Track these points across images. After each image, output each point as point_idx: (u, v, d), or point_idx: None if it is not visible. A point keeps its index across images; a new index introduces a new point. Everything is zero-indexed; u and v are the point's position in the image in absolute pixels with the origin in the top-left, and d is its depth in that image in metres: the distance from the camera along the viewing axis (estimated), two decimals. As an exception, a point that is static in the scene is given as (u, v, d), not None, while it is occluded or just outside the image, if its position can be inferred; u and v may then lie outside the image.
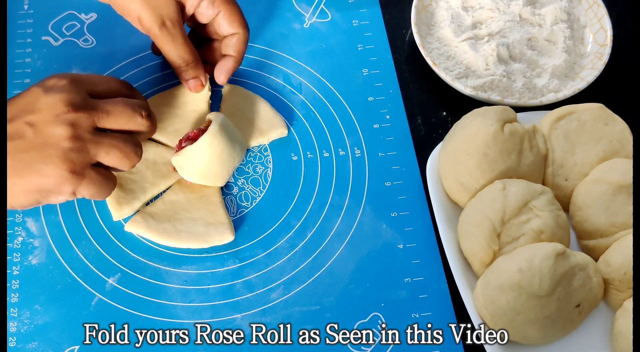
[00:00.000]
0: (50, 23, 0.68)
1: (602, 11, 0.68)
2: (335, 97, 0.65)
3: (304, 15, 0.70)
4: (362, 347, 0.53)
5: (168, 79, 0.65)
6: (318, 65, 0.67)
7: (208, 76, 0.60)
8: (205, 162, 0.56)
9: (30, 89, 0.48)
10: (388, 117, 0.64)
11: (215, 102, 0.63)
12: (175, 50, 0.56)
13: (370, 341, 0.54)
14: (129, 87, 0.54)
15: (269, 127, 0.62)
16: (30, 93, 0.48)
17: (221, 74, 0.60)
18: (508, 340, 0.50)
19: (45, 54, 0.66)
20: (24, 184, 0.46)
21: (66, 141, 0.46)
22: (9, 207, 0.47)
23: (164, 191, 0.59)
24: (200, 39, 0.62)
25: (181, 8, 0.56)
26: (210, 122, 0.56)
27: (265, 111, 0.63)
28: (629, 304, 0.51)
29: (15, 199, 0.47)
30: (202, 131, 0.56)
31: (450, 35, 0.65)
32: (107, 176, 0.49)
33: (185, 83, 0.59)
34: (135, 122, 0.50)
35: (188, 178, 0.57)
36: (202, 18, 0.58)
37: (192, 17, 0.59)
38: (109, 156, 0.48)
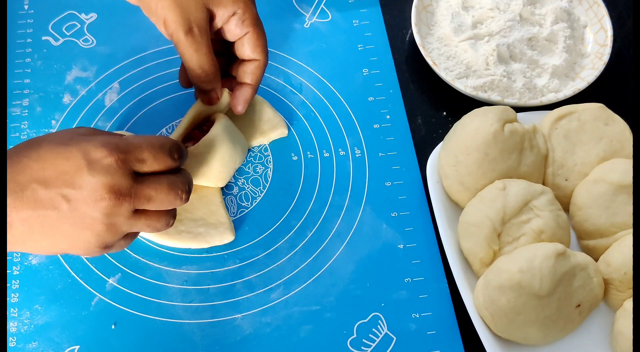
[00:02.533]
0: (50, 23, 0.68)
1: (603, 11, 0.68)
2: (336, 97, 0.65)
3: (304, 15, 0.70)
4: (362, 347, 0.53)
5: (168, 79, 0.65)
6: (318, 65, 0.67)
7: (225, 90, 0.57)
8: (207, 163, 0.56)
9: (72, 152, 0.43)
10: (388, 117, 0.64)
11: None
12: (197, 60, 0.52)
13: (370, 341, 0.54)
14: (177, 150, 0.46)
15: (269, 127, 0.62)
16: (72, 160, 0.42)
17: (239, 104, 0.57)
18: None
19: (45, 54, 0.66)
20: (51, 247, 0.45)
21: (101, 225, 0.43)
22: (24, 251, 0.45)
23: (164, 191, 0.59)
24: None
25: (210, 18, 0.53)
26: (212, 122, 0.56)
27: (265, 111, 0.63)
28: (629, 304, 0.51)
29: (36, 251, 0.45)
30: (204, 132, 0.56)
31: (451, 35, 0.65)
32: (134, 237, 0.49)
33: (200, 94, 0.56)
34: (175, 205, 0.46)
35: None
36: (229, 35, 0.55)
37: (218, 32, 0.55)
38: (142, 230, 0.47)
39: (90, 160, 0.42)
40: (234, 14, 0.53)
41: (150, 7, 0.51)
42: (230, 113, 0.62)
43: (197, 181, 0.57)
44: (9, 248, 0.43)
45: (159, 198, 0.45)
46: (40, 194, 0.42)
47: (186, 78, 0.58)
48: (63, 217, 0.43)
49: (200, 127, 0.58)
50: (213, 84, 0.55)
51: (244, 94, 0.57)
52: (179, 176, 0.47)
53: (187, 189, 0.47)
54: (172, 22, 0.51)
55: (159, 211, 0.46)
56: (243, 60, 0.57)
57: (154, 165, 0.45)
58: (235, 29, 0.54)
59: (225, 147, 0.56)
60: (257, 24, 0.55)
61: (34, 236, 0.43)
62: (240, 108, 0.58)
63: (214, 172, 0.57)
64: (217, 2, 0.52)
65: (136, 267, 0.56)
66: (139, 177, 0.44)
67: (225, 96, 0.57)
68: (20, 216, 0.42)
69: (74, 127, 0.61)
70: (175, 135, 0.55)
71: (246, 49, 0.55)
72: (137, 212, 0.45)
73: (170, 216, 0.48)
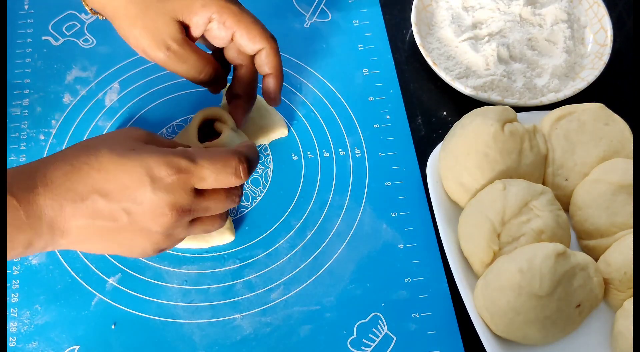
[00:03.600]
0: (50, 23, 0.68)
1: (603, 11, 0.68)
2: (336, 97, 0.65)
3: (304, 15, 0.70)
4: (362, 347, 0.53)
5: (168, 79, 0.65)
6: (318, 65, 0.67)
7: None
8: None
9: (135, 167, 0.42)
10: (388, 117, 0.64)
11: (216, 103, 0.63)
12: (189, 69, 0.51)
13: (370, 341, 0.54)
14: (246, 166, 0.45)
15: (270, 127, 0.62)
16: (135, 176, 0.42)
17: (270, 99, 0.56)
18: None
19: (45, 54, 0.66)
20: (105, 250, 0.46)
21: (159, 236, 0.44)
22: (77, 250, 0.46)
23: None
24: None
25: (187, 28, 0.51)
26: (215, 128, 0.57)
27: (265, 111, 0.63)
28: (629, 304, 0.51)
29: (89, 252, 0.46)
30: (207, 131, 0.56)
31: (451, 35, 0.65)
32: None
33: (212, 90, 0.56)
34: (228, 208, 0.48)
35: None
36: (216, 41, 0.53)
37: (207, 41, 0.54)
38: (198, 234, 0.48)
39: (154, 178, 0.42)
40: (210, 20, 0.51)
41: (127, 37, 0.51)
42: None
43: None
44: (64, 247, 0.44)
45: (216, 208, 0.46)
46: (100, 206, 0.42)
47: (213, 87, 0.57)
48: (122, 228, 0.43)
49: (204, 130, 0.58)
50: (220, 80, 0.54)
51: (269, 86, 0.55)
52: (235, 191, 0.47)
53: (241, 193, 0.48)
54: (148, 48, 0.50)
55: (212, 217, 0.47)
56: (254, 57, 0.54)
57: (214, 184, 0.44)
58: (219, 32, 0.52)
59: None
60: (243, 19, 0.51)
61: (89, 240, 0.44)
62: (273, 101, 0.56)
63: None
64: (186, 11, 0.50)
65: (136, 267, 0.56)
66: (198, 192, 0.45)
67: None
68: (77, 223, 0.42)
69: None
70: (193, 139, 0.55)
71: (245, 45, 0.52)
72: (194, 220, 0.46)
73: (225, 217, 0.49)
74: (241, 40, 0.52)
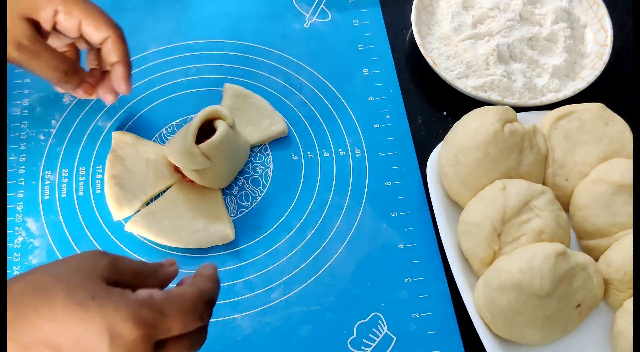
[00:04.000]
0: (50, 23, 0.68)
1: (603, 11, 0.68)
2: (336, 97, 0.65)
3: (304, 15, 0.70)
4: (362, 347, 0.53)
5: (168, 78, 0.65)
6: (318, 65, 0.67)
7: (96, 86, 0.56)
8: (210, 166, 0.56)
9: (94, 321, 0.35)
10: (388, 117, 0.64)
11: (216, 103, 0.63)
12: (46, 66, 0.51)
13: (370, 341, 0.54)
14: (208, 309, 0.40)
15: (269, 127, 0.62)
16: (93, 331, 0.35)
17: (119, 85, 0.55)
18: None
19: (45, 54, 0.66)
20: None
21: None
22: None
23: (165, 191, 0.59)
24: None
25: (37, 25, 0.51)
26: (213, 124, 0.57)
27: (265, 111, 0.63)
28: (629, 304, 0.51)
29: None
30: (206, 134, 0.56)
31: (451, 35, 0.65)
32: None
33: (75, 92, 0.55)
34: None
35: (192, 178, 0.57)
36: (68, 32, 0.53)
37: (62, 34, 0.54)
38: None
39: (114, 335, 0.35)
40: (57, 12, 0.51)
41: None
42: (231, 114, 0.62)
43: (201, 183, 0.58)
44: None
45: None
46: None
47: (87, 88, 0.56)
48: None
49: (202, 130, 0.58)
50: (78, 77, 0.54)
51: (117, 73, 0.54)
52: (199, 331, 0.40)
53: (203, 341, 0.41)
54: (9, 45, 0.50)
55: None
56: (101, 47, 0.54)
57: (180, 331, 0.38)
58: (67, 23, 0.52)
59: (228, 151, 0.56)
60: (88, 8, 0.52)
61: None
62: (123, 87, 0.55)
63: (217, 174, 0.57)
64: (33, 8, 0.50)
65: (136, 267, 0.55)
66: (159, 344, 0.38)
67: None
68: None
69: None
70: (190, 140, 0.55)
71: (91, 34, 0.52)
72: None
73: None
74: (87, 29, 0.52)
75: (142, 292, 0.38)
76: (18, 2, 0.49)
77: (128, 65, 0.55)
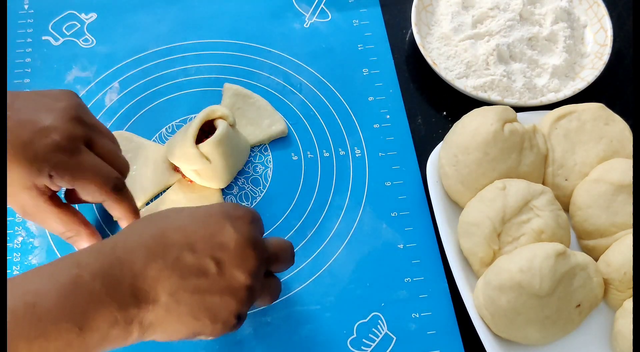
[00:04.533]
0: (50, 23, 0.68)
1: (602, 11, 0.68)
2: (336, 97, 0.65)
3: (304, 15, 0.70)
4: (362, 347, 0.53)
5: (168, 78, 0.65)
6: (318, 65, 0.67)
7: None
8: (210, 166, 0.56)
9: (210, 213, 0.44)
10: (388, 117, 0.64)
11: (217, 103, 0.63)
12: (53, 229, 0.51)
13: (370, 341, 0.54)
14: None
15: (269, 127, 0.62)
16: (212, 220, 0.43)
17: (123, 221, 0.53)
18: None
19: (45, 54, 0.66)
20: (193, 327, 0.42)
21: (244, 291, 0.42)
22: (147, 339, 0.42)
23: (165, 191, 0.59)
24: None
25: (42, 189, 0.48)
26: (214, 126, 0.57)
27: (265, 111, 0.63)
28: (629, 304, 0.51)
29: (175, 332, 0.42)
30: (206, 135, 0.56)
31: (451, 35, 0.65)
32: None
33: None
34: (288, 267, 0.49)
35: (192, 178, 0.57)
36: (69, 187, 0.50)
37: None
38: (264, 300, 0.48)
39: (231, 216, 0.43)
40: (51, 177, 0.47)
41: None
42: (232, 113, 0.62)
43: (200, 183, 0.58)
44: (150, 330, 0.40)
45: (284, 258, 0.47)
46: (189, 260, 0.41)
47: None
48: (211, 285, 0.41)
49: (203, 130, 0.58)
50: (85, 239, 0.52)
51: (123, 224, 0.53)
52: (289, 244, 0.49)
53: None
54: (13, 208, 0.49)
55: (275, 287, 0.48)
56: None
57: (283, 268, 0.48)
58: (65, 185, 0.49)
59: (228, 150, 0.56)
60: (78, 175, 0.48)
61: (177, 312, 0.41)
62: (124, 222, 0.52)
63: (217, 174, 0.57)
64: (30, 178, 0.47)
65: (136, 267, 0.55)
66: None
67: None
68: (166, 287, 0.40)
69: None
70: (189, 140, 0.55)
71: (87, 198, 0.50)
72: (266, 279, 0.46)
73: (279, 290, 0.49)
74: (82, 194, 0.50)
75: None
76: (17, 174, 0.46)
77: (133, 219, 0.52)
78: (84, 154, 0.48)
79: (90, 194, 0.49)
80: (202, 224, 0.43)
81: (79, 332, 0.38)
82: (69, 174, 0.47)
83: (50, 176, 0.47)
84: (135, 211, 0.52)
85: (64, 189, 0.52)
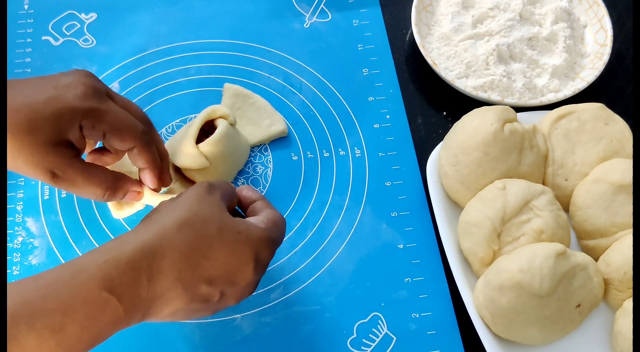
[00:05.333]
0: (50, 23, 0.68)
1: (602, 11, 0.68)
2: (336, 97, 0.65)
3: (304, 15, 0.70)
4: (362, 347, 0.53)
5: (168, 78, 0.65)
6: (318, 65, 0.67)
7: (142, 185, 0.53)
8: (210, 165, 0.56)
9: (245, 252, 0.43)
10: (388, 117, 0.64)
11: (216, 103, 0.63)
12: (85, 190, 0.49)
13: (370, 341, 0.54)
14: None
15: (269, 127, 0.62)
16: (243, 259, 0.43)
17: (149, 184, 0.53)
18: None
19: (45, 54, 0.66)
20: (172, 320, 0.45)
21: (219, 309, 0.46)
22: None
23: (165, 191, 0.59)
24: None
25: (72, 144, 0.48)
26: (214, 126, 0.57)
27: (265, 111, 0.63)
28: (629, 304, 0.51)
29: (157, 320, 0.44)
30: (207, 135, 0.56)
31: (451, 35, 0.65)
32: None
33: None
34: None
35: (192, 177, 0.57)
36: (94, 140, 0.52)
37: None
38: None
39: (258, 260, 0.44)
40: (81, 128, 0.47)
41: (19, 171, 0.48)
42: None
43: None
44: (136, 321, 0.41)
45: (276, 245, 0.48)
46: (202, 291, 0.42)
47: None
48: (207, 307, 0.44)
49: (203, 129, 0.58)
50: (122, 190, 0.52)
51: (145, 179, 0.52)
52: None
53: None
54: (38, 177, 0.48)
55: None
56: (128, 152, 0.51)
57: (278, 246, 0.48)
58: (92, 136, 0.49)
59: (228, 149, 0.56)
60: (111, 120, 0.48)
61: (168, 318, 0.43)
62: (152, 186, 0.53)
63: (217, 173, 0.57)
64: (59, 132, 0.46)
65: (136, 267, 0.55)
66: None
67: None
68: (171, 309, 0.42)
69: None
70: (190, 140, 0.55)
71: (116, 145, 0.50)
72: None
73: None
74: (111, 142, 0.49)
75: (259, 219, 0.46)
76: (43, 132, 0.46)
77: (156, 169, 0.52)
78: (110, 102, 0.48)
79: (121, 140, 0.49)
80: (230, 257, 0.43)
81: (86, 350, 0.39)
82: (100, 119, 0.47)
83: (81, 128, 0.47)
84: (159, 161, 0.52)
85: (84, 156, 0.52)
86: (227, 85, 0.64)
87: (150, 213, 0.45)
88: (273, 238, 0.45)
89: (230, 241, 0.43)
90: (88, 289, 0.38)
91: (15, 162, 0.47)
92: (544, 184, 0.58)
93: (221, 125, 0.55)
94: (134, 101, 0.63)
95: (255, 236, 0.44)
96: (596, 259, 0.54)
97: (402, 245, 0.58)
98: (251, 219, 0.46)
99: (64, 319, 0.37)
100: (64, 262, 0.55)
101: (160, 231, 0.41)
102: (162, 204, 0.45)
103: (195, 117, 0.57)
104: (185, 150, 0.55)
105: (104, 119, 0.47)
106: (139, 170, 0.52)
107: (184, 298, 0.42)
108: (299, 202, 0.59)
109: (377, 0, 0.71)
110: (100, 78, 0.64)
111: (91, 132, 0.48)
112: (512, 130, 0.55)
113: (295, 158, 0.62)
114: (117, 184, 0.51)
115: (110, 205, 0.57)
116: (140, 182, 0.53)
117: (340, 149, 0.62)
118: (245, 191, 0.50)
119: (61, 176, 0.48)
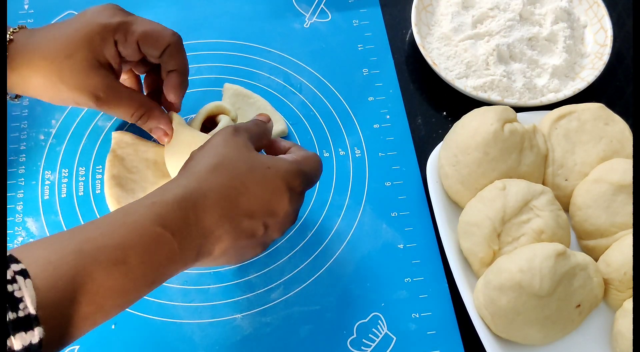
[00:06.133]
0: (50, 23, 0.67)
1: (602, 11, 0.68)
2: (335, 97, 0.65)
3: (304, 15, 0.70)
4: (362, 347, 0.53)
5: (168, 79, 0.65)
6: (318, 65, 0.67)
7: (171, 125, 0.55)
8: None
9: (277, 183, 0.46)
10: (388, 117, 0.64)
11: (218, 100, 0.63)
12: (125, 112, 0.53)
13: (370, 341, 0.54)
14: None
15: (269, 127, 0.62)
16: (276, 190, 0.46)
17: (169, 92, 0.54)
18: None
19: (45, 54, 0.66)
20: (224, 264, 0.49)
21: (269, 243, 0.49)
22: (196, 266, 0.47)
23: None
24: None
25: (109, 66, 0.51)
26: (216, 123, 0.57)
27: (265, 111, 0.63)
28: (629, 304, 0.51)
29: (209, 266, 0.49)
30: (208, 130, 0.56)
31: (451, 35, 0.65)
32: None
33: (151, 133, 0.56)
34: None
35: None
36: (129, 57, 0.53)
37: (134, 62, 0.55)
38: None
39: (291, 189, 0.47)
40: (116, 43, 0.51)
41: (61, 99, 0.52)
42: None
43: None
44: (189, 266, 0.45)
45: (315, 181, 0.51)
46: (245, 225, 0.45)
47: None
48: (254, 243, 0.47)
49: (205, 126, 0.58)
50: (156, 121, 0.54)
51: (171, 81, 0.54)
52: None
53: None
54: (82, 103, 0.51)
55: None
56: (161, 57, 0.54)
57: (315, 182, 0.51)
58: (127, 50, 0.52)
59: None
60: (142, 28, 0.51)
61: (219, 259, 0.46)
62: (172, 96, 0.54)
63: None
64: (95, 51, 0.50)
65: (136, 267, 0.55)
66: None
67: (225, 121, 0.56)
68: (221, 246, 0.45)
69: None
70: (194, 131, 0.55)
71: (151, 50, 0.52)
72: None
73: None
74: (146, 49, 0.52)
75: (289, 156, 0.49)
76: (79, 53, 0.49)
77: (183, 74, 0.55)
78: (137, 16, 0.53)
79: (154, 42, 0.51)
80: (265, 189, 0.45)
81: (150, 287, 0.42)
82: (131, 30, 0.51)
83: (116, 43, 0.50)
84: (187, 66, 0.55)
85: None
86: (227, 85, 0.64)
87: (185, 163, 0.47)
88: (303, 170, 0.48)
89: (260, 176, 0.46)
90: (143, 226, 0.41)
91: (56, 89, 0.50)
92: (544, 184, 0.58)
93: (223, 120, 0.56)
94: (134, 101, 0.63)
95: (282, 168, 0.46)
96: (596, 259, 0.54)
97: (402, 245, 0.58)
98: (281, 156, 0.49)
99: (126, 252, 0.40)
100: (64, 262, 0.55)
101: (197, 176, 0.45)
102: (193, 153, 0.48)
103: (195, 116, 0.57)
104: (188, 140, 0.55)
105: (134, 29, 0.51)
106: (166, 77, 0.54)
107: (232, 234, 0.44)
108: (299, 202, 0.60)
109: (377, 0, 0.71)
110: (100, 78, 0.65)
111: (125, 46, 0.51)
112: (512, 131, 0.55)
113: (295, 158, 0.62)
114: (155, 110, 0.54)
115: (110, 206, 0.57)
116: (170, 123, 0.55)
117: (340, 149, 0.62)
118: (282, 142, 0.52)
119: (104, 98, 0.51)
